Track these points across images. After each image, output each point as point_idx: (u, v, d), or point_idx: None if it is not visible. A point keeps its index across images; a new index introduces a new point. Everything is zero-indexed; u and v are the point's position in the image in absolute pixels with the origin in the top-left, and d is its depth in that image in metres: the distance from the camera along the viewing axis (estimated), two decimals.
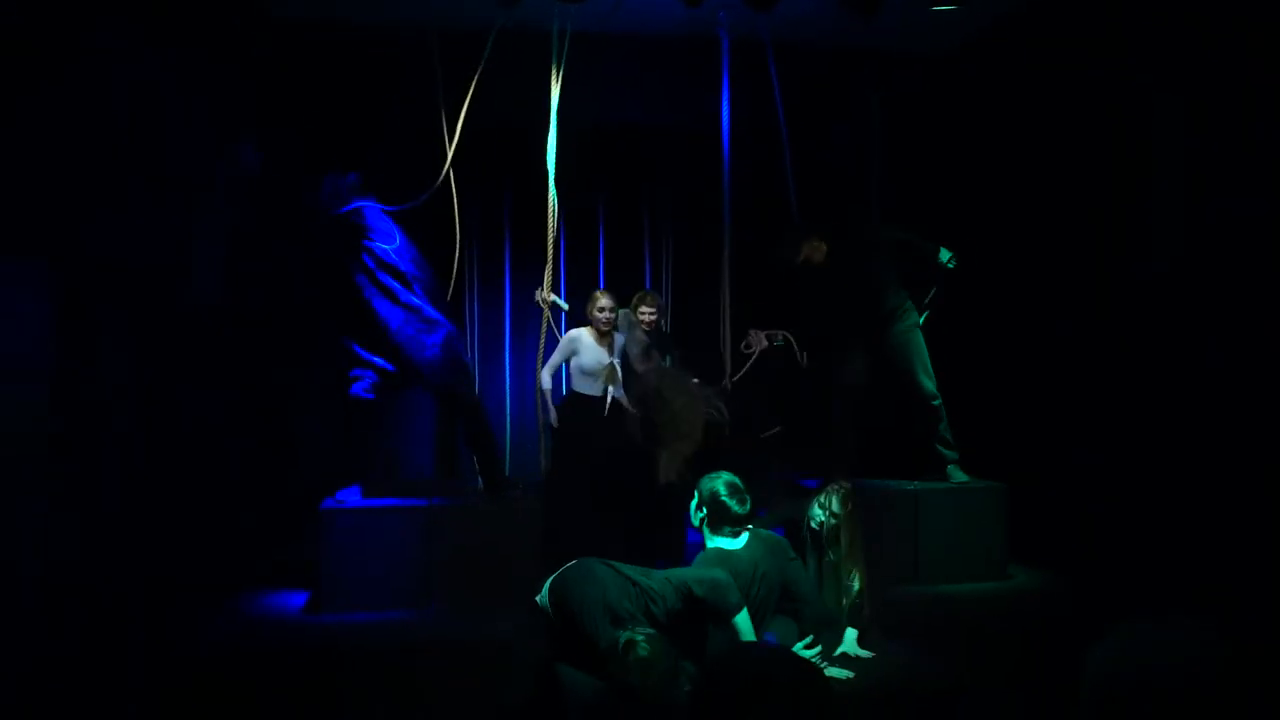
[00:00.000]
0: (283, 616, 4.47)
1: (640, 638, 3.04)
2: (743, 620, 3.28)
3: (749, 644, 3.39)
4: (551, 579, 3.53)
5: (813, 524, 4.03)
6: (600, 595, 3.31)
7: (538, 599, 3.52)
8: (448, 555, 4.53)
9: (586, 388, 5.26)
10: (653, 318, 5.51)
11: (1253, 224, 4.08)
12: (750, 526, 3.66)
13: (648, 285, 6.90)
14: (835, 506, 3.96)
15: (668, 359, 5.35)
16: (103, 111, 3.99)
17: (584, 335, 5.25)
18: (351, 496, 4.63)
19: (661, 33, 5.16)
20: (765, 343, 5.11)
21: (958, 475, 5.10)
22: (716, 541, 3.61)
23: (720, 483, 3.58)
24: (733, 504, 3.52)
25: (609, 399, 5.14)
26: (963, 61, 5.57)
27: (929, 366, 5.05)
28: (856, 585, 3.83)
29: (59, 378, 3.83)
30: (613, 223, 6.97)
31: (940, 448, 5.12)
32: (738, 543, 3.59)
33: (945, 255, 5.00)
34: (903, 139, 5.74)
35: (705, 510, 3.58)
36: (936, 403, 5.06)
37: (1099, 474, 4.90)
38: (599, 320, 5.19)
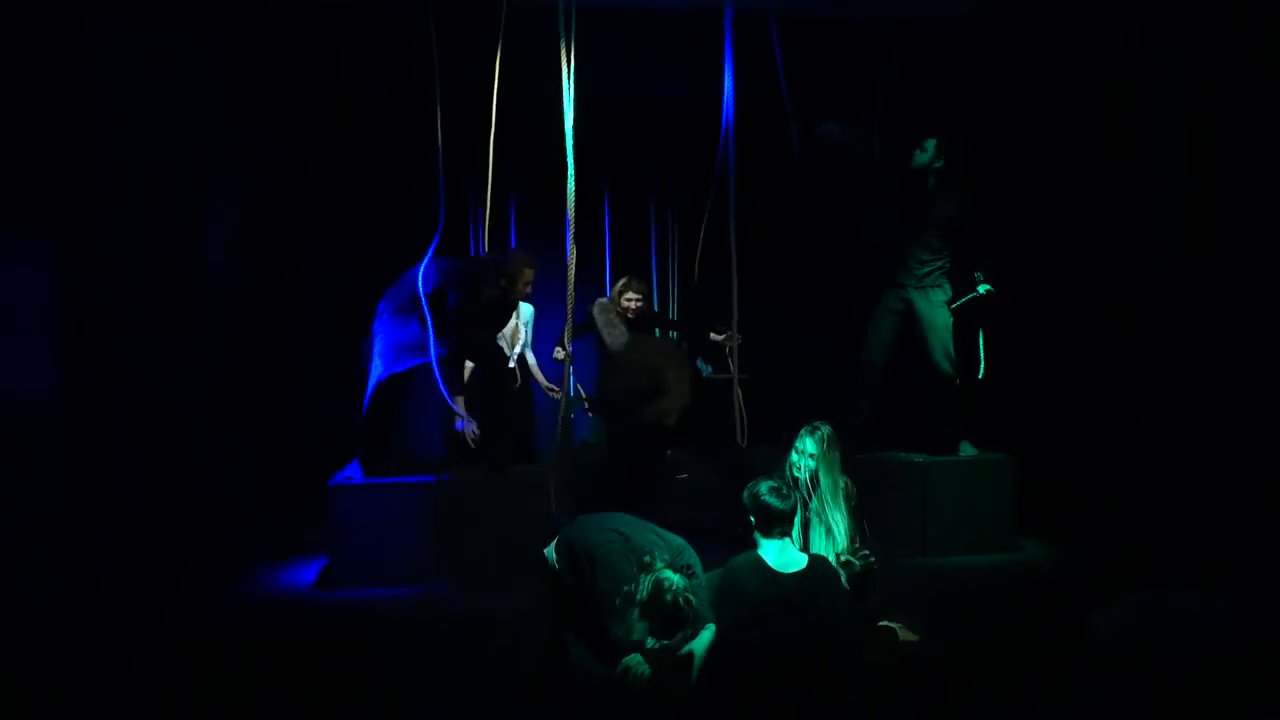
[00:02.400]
0: (293, 593, 4.49)
1: (674, 574, 3.06)
2: (699, 645, 3.16)
3: (761, 615, 3.37)
4: (564, 530, 3.51)
5: (795, 472, 3.86)
6: (621, 540, 3.30)
7: (545, 551, 3.50)
8: (456, 531, 4.55)
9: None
10: (639, 304, 5.49)
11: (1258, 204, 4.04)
12: (813, 554, 3.46)
13: (653, 263, 6.88)
14: (810, 447, 3.81)
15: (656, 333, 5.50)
16: (110, 92, 3.97)
17: None
18: (356, 473, 4.65)
19: (666, 6, 5.12)
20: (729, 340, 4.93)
21: (967, 450, 5.10)
22: (767, 548, 3.38)
23: (760, 484, 3.46)
24: (773, 500, 3.37)
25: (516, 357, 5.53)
26: (966, 32, 5.51)
27: (950, 348, 5.03)
28: (844, 535, 3.71)
29: (68, 360, 3.83)
30: (617, 199, 6.92)
31: (952, 425, 5.10)
32: (791, 564, 3.33)
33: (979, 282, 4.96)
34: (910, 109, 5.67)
35: (753, 517, 3.45)
36: (954, 382, 5.05)
37: (1109, 445, 4.88)
38: None
